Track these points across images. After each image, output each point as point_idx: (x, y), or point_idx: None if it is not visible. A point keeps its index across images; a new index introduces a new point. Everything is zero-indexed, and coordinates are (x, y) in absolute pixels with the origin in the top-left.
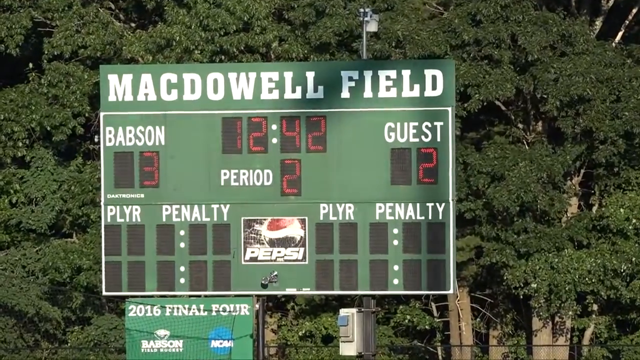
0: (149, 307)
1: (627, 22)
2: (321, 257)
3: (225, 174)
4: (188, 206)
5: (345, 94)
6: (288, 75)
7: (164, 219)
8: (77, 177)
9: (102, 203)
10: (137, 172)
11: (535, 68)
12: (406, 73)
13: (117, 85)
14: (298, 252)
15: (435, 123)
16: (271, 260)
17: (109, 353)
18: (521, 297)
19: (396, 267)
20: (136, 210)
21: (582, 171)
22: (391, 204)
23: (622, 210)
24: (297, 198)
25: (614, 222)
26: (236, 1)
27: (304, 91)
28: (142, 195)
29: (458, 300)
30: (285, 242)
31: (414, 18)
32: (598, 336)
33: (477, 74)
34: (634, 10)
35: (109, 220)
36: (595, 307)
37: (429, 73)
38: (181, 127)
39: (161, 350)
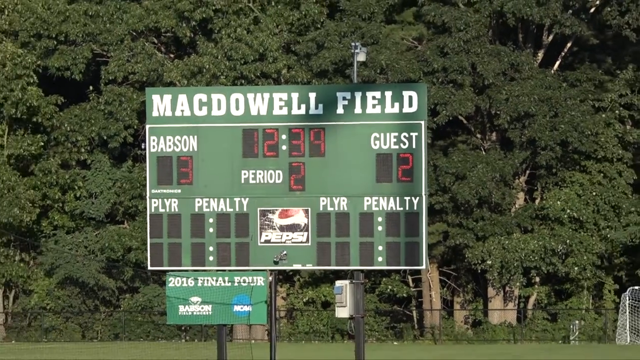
0: (184, 279)
1: (562, 53)
2: (321, 240)
3: (245, 174)
4: (215, 199)
5: (340, 110)
6: (294, 96)
7: (196, 210)
8: (128, 176)
9: (147, 197)
10: (175, 172)
11: (490, 90)
12: (388, 94)
13: (159, 103)
14: (302, 235)
15: (411, 133)
16: (281, 242)
17: (153, 315)
18: (479, 271)
19: (380, 248)
20: (174, 202)
21: (527, 172)
22: (376, 198)
23: (558, 202)
24: (301, 193)
25: (552, 212)
26: (253, 37)
27: (307, 108)
28: (179, 191)
29: (429, 274)
30: (292, 228)
31: (395, 50)
32: (539, 302)
33: (444, 94)
34: (568, 45)
35: (153, 210)
36: (537, 279)
37: (406, 94)
38: (210, 136)
39: (194, 313)
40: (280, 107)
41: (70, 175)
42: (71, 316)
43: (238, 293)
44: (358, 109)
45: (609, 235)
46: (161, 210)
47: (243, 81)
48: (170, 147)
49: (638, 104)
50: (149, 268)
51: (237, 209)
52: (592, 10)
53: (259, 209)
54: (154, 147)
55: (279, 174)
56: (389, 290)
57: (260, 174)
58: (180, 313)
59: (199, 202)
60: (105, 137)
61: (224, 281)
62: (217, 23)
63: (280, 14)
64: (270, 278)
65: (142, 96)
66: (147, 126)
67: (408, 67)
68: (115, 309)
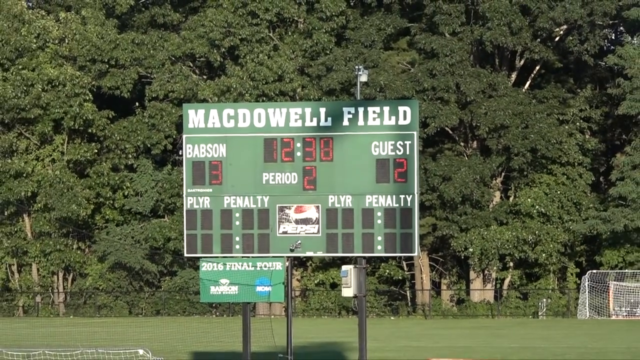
0: (215, 264)
1: (532, 75)
2: (329, 231)
3: (265, 176)
4: (241, 197)
5: (345, 122)
6: (307, 110)
7: (225, 206)
8: (168, 178)
9: (184, 195)
10: (207, 175)
11: (471, 105)
12: (386, 109)
13: (194, 117)
14: (314, 227)
15: (405, 142)
16: (296, 233)
17: (189, 295)
18: (462, 257)
19: (379, 238)
20: (207, 200)
21: (503, 174)
22: (376, 196)
23: (529, 200)
24: (313, 192)
25: (524, 207)
26: (273, 61)
27: (318, 121)
28: (211, 190)
29: (420, 260)
30: (306, 221)
31: (391, 72)
32: (513, 283)
33: (433, 109)
34: (537, 68)
35: (188, 206)
36: (511, 264)
37: (401, 109)
38: (236, 144)
39: (223, 293)
40: (296, 120)
41: (120, 177)
42: (120, 295)
43: (260, 276)
44: (361, 122)
45: (571, 227)
46: (195, 206)
47: (264, 98)
48: (203, 153)
49: (595, 117)
50: (185, 255)
51: (259, 205)
52: (557, 39)
53: (277, 205)
54: (189, 153)
55: (294, 176)
56: (386, 273)
57: (278, 176)
58: (211, 293)
59: (227, 199)
60: (148, 145)
61: (248, 266)
62: (243, 50)
63: (296, 42)
64: (287, 263)
65: (179, 111)
66: (184, 136)
67: (403, 87)
68: (157, 289)
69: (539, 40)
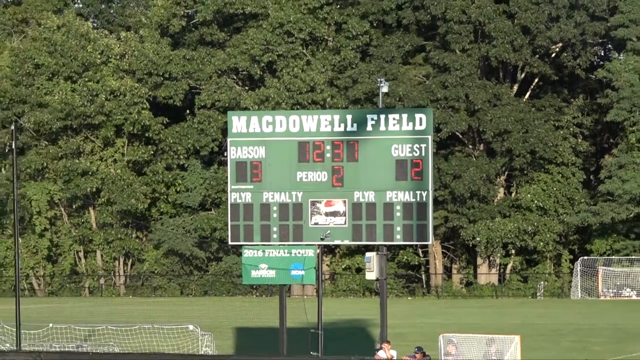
0: (255, 250)
1: (532, 87)
2: (355, 222)
3: (299, 174)
4: (278, 193)
5: (369, 128)
6: (336, 118)
7: (264, 200)
8: (214, 176)
9: (228, 191)
10: (249, 173)
11: (479, 113)
12: (404, 116)
13: (238, 123)
14: (342, 219)
15: (421, 145)
16: (326, 224)
17: (233, 277)
18: (471, 245)
19: (398, 228)
20: (248, 195)
21: (506, 173)
22: (396, 192)
23: (529, 195)
24: (341, 188)
25: (524, 202)
26: (306, 74)
27: (345, 127)
28: (252, 187)
29: (434, 247)
30: (334, 214)
31: (409, 84)
32: (514, 268)
33: (445, 116)
34: (536, 80)
35: (232, 201)
36: (513, 251)
37: (417, 116)
38: (274, 147)
39: (262, 276)
40: (326, 126)
41: (172, 175)
42: (172, 278)
43: (294, 261)
44: (382, 127)
45: (565, 219)
46: (238, 201)
47: (298, 107)
48: (245, 155)
49: (586, 123)
50: (230, 243)
51: (294, 200)
52: (553, 55)
53: (309, 200)
54: (233, 154)
55: (324, 174)
56: (404, 259)
57: (310, 174)
58: (252, 276)
59: (266, 195)
60: (198, 147)
61: (284, 252)
62: (280, 64)
63: (326, 57)
64: (318, 250)
65: (224, 118)
66: (229, 139)
67: (419, 96)
68: (205, 273)
69: (537, 56)
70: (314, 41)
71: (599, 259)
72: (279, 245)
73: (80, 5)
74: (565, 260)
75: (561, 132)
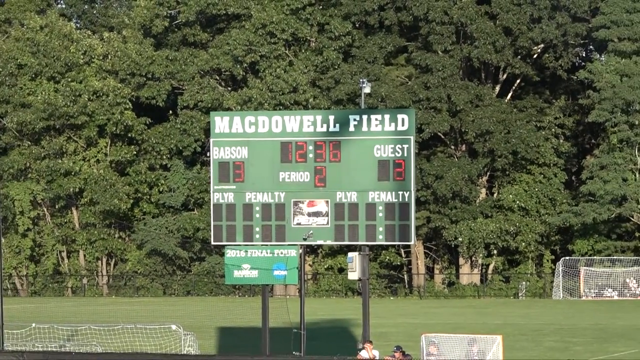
0: (238, 251)
1: (513, 87)
2: (337, 223)
3: (282, 175)
4: (260, 193)
5: (351, 128)
6: (318, 118)
7: (246, 201)
8: (197, 176)
9: (211, 191)
10: (231, 173)
11: (461, 114)
12: (387, 116)
13: (220, 123)
14: (324, 219)
15: (403, 145)
16: (308, 224)
17: (215, 277)
18: (453, 245)
19: (381, 229)
20: (231, 195)
21: (488, 173)
22: (378, 192)
23: (510, 196)
24: (323, 188)
25: (506, 202)
26: (288, 75)
27: (328, 127)
28: (235, 187)
29: (416, 248)
30: (317, 214)
31: (391, 85)
32: (497, 268)
33: (427, 117)
34: (518, 81)
35: (215, 201)
36: (495, 251)
37: (399, 116)
38: (256, 147)
39: (245, 276)
40: (308, 126)
41: (155, 175)
42: (155, 278)
43: (277, 261)
44: (365, 128)
45: (547, 220)
46: (221, 201)
47: (281, 107)
48: (227, 155)
49: (568, 124)
50: (212, 243)
51: (276, 200)
52: (535, 56)
53: (292, 200)
54: (216, 155)
55: (307, 174)
56: (387, 259)
57: (293, 174)
58: (235, 276)
59: (248, 195)
60: (180, 148)
61: (267, 253)
62: (262, 65)
63: (308, 58)
64: (300, 250)
65: (207, 118)
66: (211, 140)
67: (401, 97)
68: (188, 272)
69: (519, 57)
70: (297, 42)
71: (580, 260)
72: (262, 245)
73: (63, 6)
74: (547, 260)
75: (543, 132)
